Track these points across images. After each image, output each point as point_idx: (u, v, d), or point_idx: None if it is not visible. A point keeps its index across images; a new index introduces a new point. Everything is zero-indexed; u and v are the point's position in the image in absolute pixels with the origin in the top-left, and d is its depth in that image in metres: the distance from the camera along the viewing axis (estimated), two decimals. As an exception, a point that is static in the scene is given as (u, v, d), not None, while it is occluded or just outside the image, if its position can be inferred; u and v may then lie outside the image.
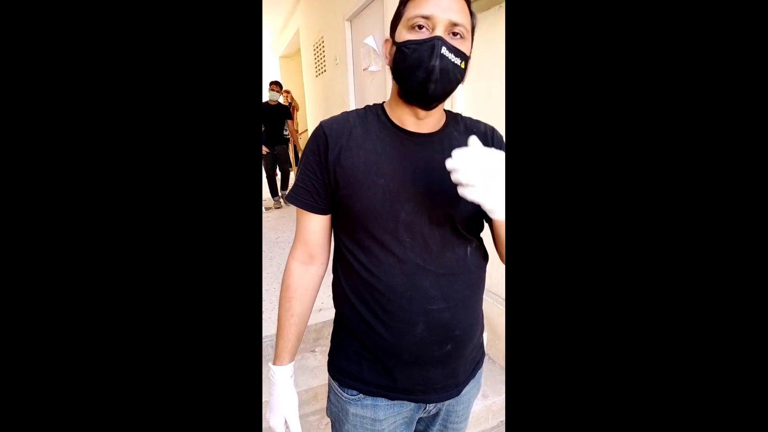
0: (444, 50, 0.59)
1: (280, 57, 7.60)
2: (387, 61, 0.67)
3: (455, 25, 0.60)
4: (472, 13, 0.64)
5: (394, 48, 0.64)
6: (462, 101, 1.87)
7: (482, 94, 1.73)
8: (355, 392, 0.72)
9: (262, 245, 2.99)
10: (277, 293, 2.24)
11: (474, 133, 0.72)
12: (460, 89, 1.86)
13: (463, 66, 0.63)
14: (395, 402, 0.72)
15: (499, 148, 0.74)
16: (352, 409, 0.72)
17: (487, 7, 1.60)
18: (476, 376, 0.79)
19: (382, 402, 0.71)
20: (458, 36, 0.61)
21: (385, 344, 0.67)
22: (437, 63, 0.59)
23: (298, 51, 5.82)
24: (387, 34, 0.70)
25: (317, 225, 0.71)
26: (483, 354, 0.80)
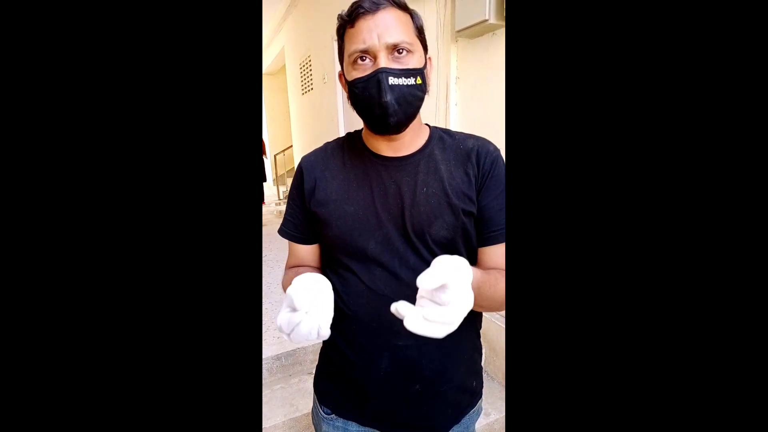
0: (391, 80, 0.56)
1: (263, 74, 7.63)
2: (346, 95, 0.66)
3: (395, 45, 0.57)
4: (411, 13, 0.60)
5: (347, 85, 0.62)
6: (457, 125, 1.92)
7: (478, 117, 1.78)
8: (329, 411, 0.73)
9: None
10: (268, 312, 2.19)
11: (460, 151, 0.65)
12: (454, 112, 1.93)
13: (419, 81, 0.59)
14: (366, 429, 0.71)
15: (488, 167, 0.64)
16: (324, 427, 0.73)
17: (481, 34, 1.68)
18: (464, 422, 0.73)
19: (353, 427, 0.71)
20: (403, 52, 0.57)
21: (354, 373, 0.67)
22: (388, 98, 0.56)
23: (283, 68, 5.85)
24: None
25: (308, 252, 0.73)
26: (477, 399, 0.75)
